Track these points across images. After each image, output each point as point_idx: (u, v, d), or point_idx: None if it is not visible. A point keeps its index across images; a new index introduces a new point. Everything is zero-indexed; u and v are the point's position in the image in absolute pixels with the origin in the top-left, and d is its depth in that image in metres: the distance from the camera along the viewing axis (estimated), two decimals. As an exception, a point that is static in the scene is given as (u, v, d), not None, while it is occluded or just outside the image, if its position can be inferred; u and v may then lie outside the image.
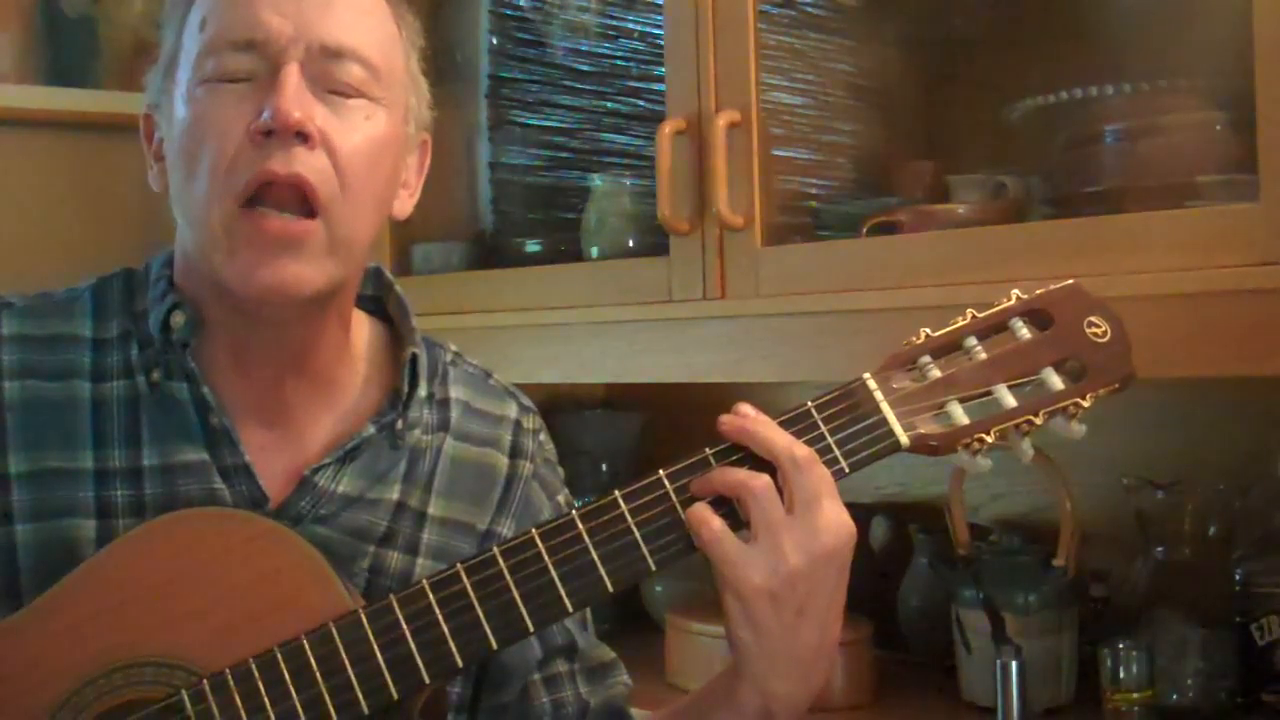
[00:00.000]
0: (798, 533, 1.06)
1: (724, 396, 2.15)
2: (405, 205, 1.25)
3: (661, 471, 1.10)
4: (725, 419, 1.10)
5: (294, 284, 1.11)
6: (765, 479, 1.07)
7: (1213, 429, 1.72)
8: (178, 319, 1.17)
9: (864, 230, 1.67)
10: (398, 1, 1.21)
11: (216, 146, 1.11)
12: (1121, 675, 1.54)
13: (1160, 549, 1.64)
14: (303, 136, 1.10)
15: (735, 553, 1.06)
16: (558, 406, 2.21)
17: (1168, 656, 1.58)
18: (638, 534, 1.08)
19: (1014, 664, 1.54)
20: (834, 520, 1.07)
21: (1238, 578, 1.59)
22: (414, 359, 1.24)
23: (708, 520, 1.07)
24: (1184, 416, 1.72)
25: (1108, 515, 1.71)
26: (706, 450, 1.10)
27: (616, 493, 1.09)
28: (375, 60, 1.15)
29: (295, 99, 1.09)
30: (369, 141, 1.14)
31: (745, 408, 1.12)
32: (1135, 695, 1.54)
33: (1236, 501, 1.61)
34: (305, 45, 1.11)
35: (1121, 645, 1.54)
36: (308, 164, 1.10)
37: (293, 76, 1.10)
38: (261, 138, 1.09)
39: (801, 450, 1.07)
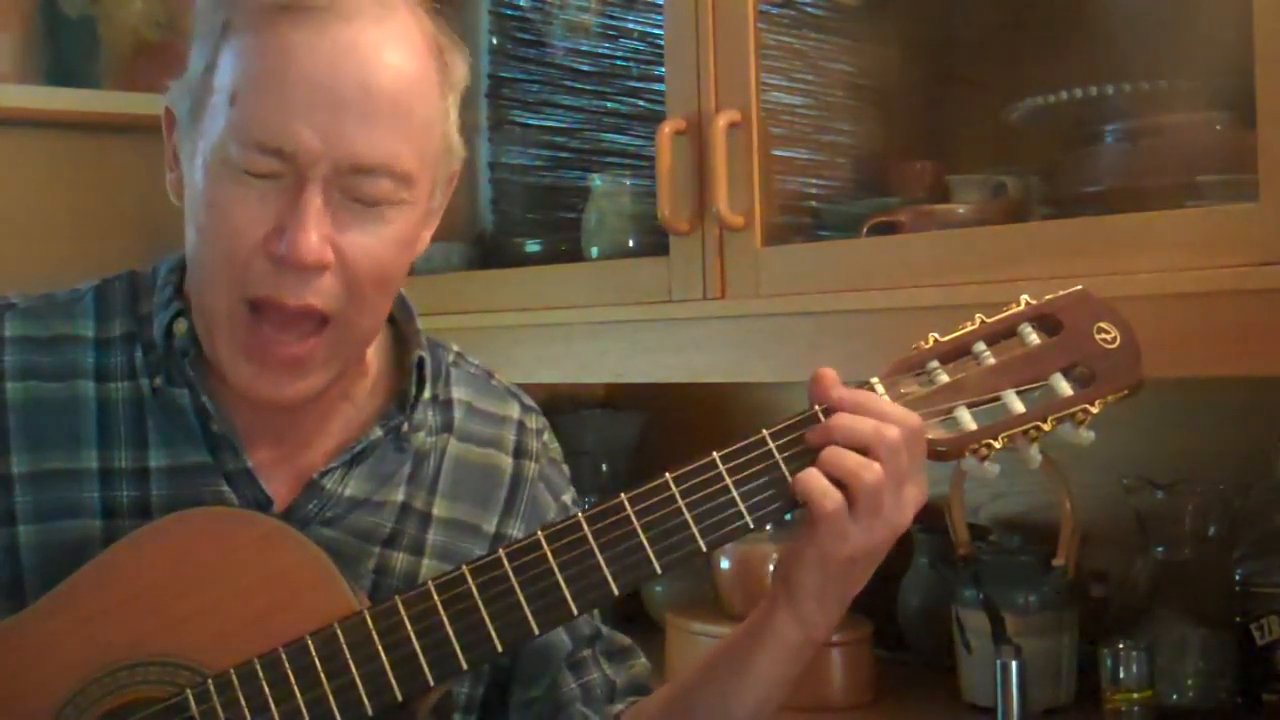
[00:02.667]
0: (891, 511, 1.08)
1: (724, 396, 2.18)
2: (424, 243, 1.23)
3: (668, 474, 1.09)
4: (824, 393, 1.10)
5: (299, 398, 1.14)
6: (878, 467, 1.07)
7: (1213, 429, 1.72)
8: (180, 327, 1.17)
9: (864, 230, 1.67)
10: (448, 51, 1.16)
11: (230, 245, 1.09)
12: (1121, 675, 1.54)
13: (1160, 549, 1.64)
14: (317, 269, 1.09)
15: (843, 526, 1.07)
16: (558, 406, 2.20)
17: (1168, 656, 1.58)
18: (643, 537, 1.08)
19: (1014, 664, 1.54)
20: (918, 496, 1.10)
21: (1238, 578, 1.59)
22: (421, 363, 1.24)
23: (829, 492, 1.07)
24: (1184, 416, 1.72)
25: (1108, 515, 1.72)
26: (713, 454, 1.10)
27: (623, 496, 1.09)
28: (408, 167, 1.11)
29: (315, 229, 1.07)
30: (387, 246, 1.13)
31: (828, 373, 1.12)
32: (1135, 695, 1.54)
33: (1236, 501, 1.61)
34: (333, 163, 1.08)
35: (1121, 645, 1.54)
36: (319, 291, 1.10)
37: (315, 199, 1.08)
38: (276, 257, 1.08)
39: (892, 433, 1.07)
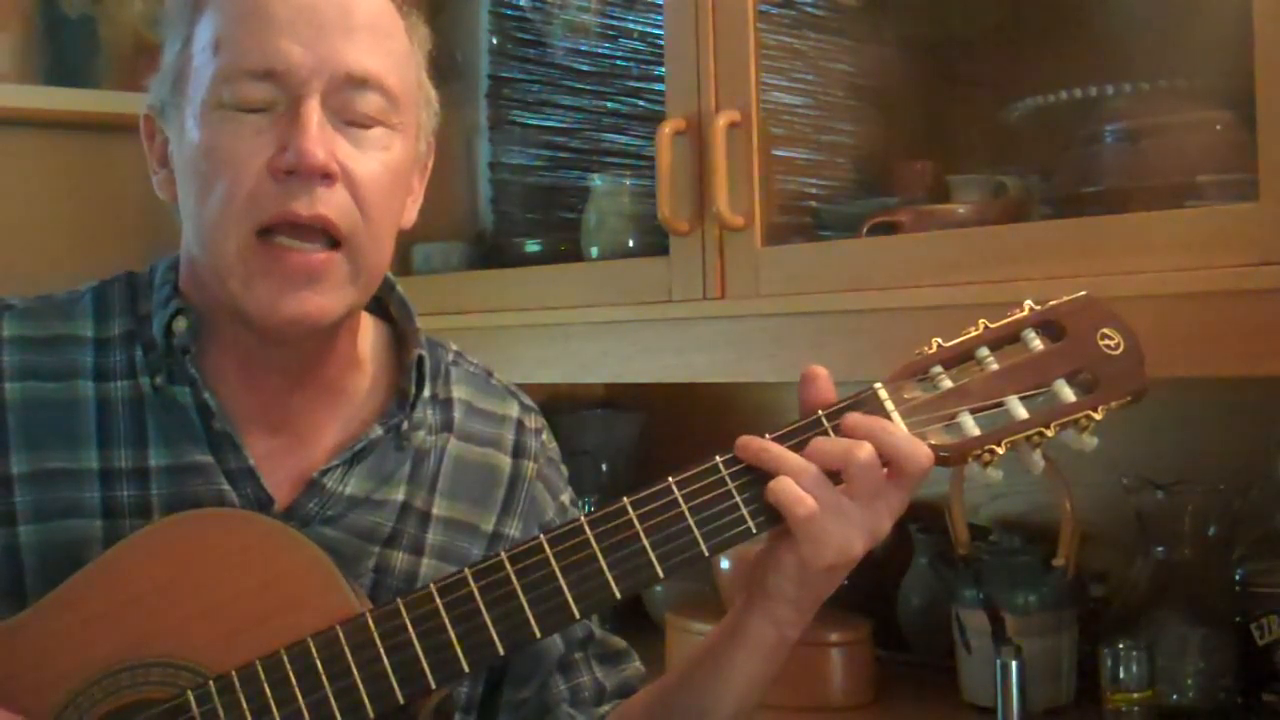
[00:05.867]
0: (868, 521, 1.08)
1: (724, 396, 2.18)
2: (411, 213, 1.25)
3: (670, 479, 1.09)
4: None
5: (317, 314, 1.13)
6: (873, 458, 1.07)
7: (1213, 429, 1.72)
8: (180, 324, 1.17)
9: (864, 230, 1.67)
10: (408, 12, 1.20)
11: (233, 177, 1.10)
12: (1121, 675, 1.54)
13: (1160, 549, 1.64)
14: (325, 176, 1.10)
15: (819, 534, 1.07)
16: (558, 406, 2.20)
17: (1168, 656, 1.58)
18: (645, 541, 1.08)
19: (1014, 664, 1.54)
20: (897, 507, 1.10)
21: (1238, 578, 1.59)
22: (420, 361, 1.24)
23: (802, 499, 1.07)
24: (1184, 416, 1.72)
25: (1108, 515, 1.72)
26: (716, 458, 1.10)
27: (625, 500, 1.09)
28: (394, 87, 1.15)
29: (319, 138, 1.09)
30: (387, 170, 1.15)
31: (820, 372, 1.12)
32: (1135, 695, 1.54)
33: (1236, 501, 1.61)
34: (328, 76, 1.10)
35: (1121, 645, 1.55)
36: (330, 203, 1.11)
37: (315, 113, 1.10)
38: (283, 175, 1.09)
39: (863, 452, 1.07)
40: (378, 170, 1.14)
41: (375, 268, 1.17)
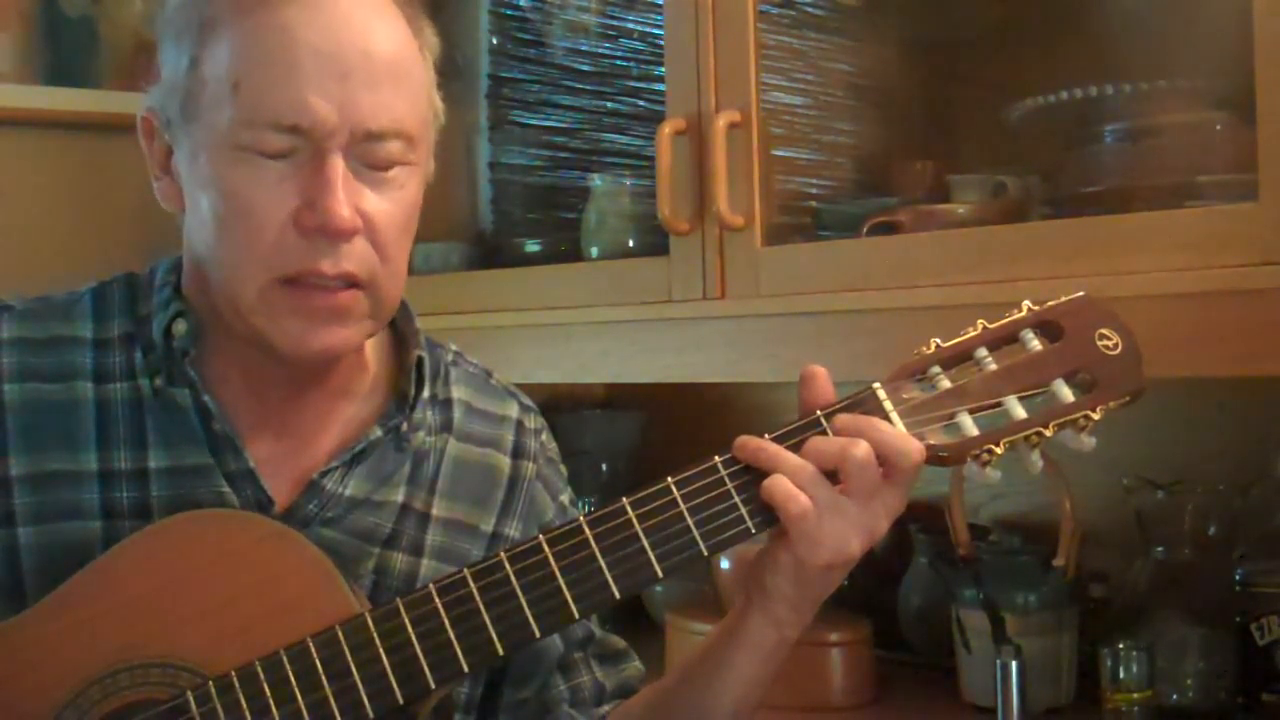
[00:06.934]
0: (865, 520, 1.08)
1: (724, 396, 2.18)
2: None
3: (670, 479, 1.09)
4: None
5: (342, 346, 1.15)
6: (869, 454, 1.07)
7: (1213, 429, 1.72)
8: (179, 327, 1.17)
9: (864, 230, 1.67)
10: (419, 22, 1.18)
11: (256, 226, 1.10)
12: (1121, 675, 1.54)
13: (1160, 549, 1.64)
14: (351, 235, 1.11)
15: (814, 532, 1.07)
16: (558, 406, 2.21)
17: (1168, 656, 1.58)
18: (645, 541, 1.08)
19: (1014, 664, 1.54)
20: (895, 507, 1.10)
21: (1238, 578, 1.59)
22: (420, 362, 1.24)
23: (796, 496, 1.07)
24: (1184, 416, 1.72)
25: (1108, 515, 1.72)
26: (715, 458, 1.10)
27: (624, 500, 1.09)
28: (413, 129, 1.14)
29: (344, 198, 1.09)
30: (404, 209, 1.15)
31: (819, 371, 1.13)
32: (1135, 695, 1.54)
33: (1236, 501, 1.61)
34: (350, 131, 1.09)
35: (1121, 645, 1.54)
36: (353, 257, 1.12)
37: (339, 168, 1.10)
38: (309, 229, 1.10)
39: (859, 450, 1.07)
40: (396, 213, 1.14)
41: (393, 299, 1.18)
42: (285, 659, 1.06)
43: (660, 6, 1.80)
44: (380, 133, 1.11)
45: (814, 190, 1.86)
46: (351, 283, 1.12)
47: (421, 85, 1.17)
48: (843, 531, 1.07)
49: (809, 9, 1.88)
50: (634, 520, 1.08)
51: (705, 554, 1.09)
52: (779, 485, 1.07)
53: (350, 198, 1.10)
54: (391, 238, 1.14)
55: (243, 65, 1.10)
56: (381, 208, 1.13)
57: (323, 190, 1.09)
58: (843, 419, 1.09)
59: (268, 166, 1.10)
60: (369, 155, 1.12)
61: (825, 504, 1.07)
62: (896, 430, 1.08)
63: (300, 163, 1.10)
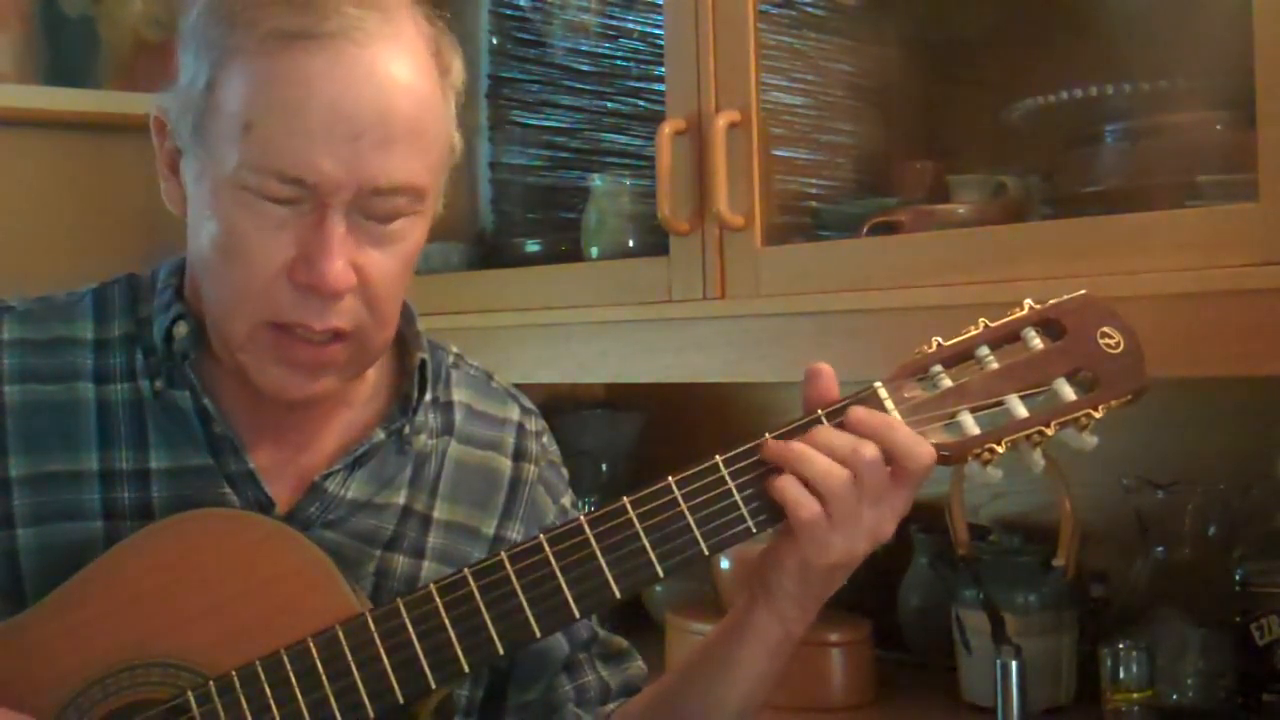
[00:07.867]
0: (872, 523, 1.09)
1: (724, 396, 2.18)
2: None
3: (671, 478, 1.09)
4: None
5: (323, 394, 1.15)
6: (844, 475, 1.07)
7: (1213, 429, 1.72)
8: (180, 330, 1.17)
9: (864, 230, 1.67)
10: (445, 51, 1.15)
11: (249, 269, 1.09)
12: (1121, 675, 1.54)
13: (1160, 549, 1.64)
14: (341, 295, 1.10)
15: (823, 536, 1.07)
16: (558, 406, 2.20)
17: (1168, 656, 1.58)
18: (645, 540, 1.08)
19: (1014, 664, 1.54)
20: (901, 509, 1.10)
21: (1238, 578, 1.59)
22: (423, 365, 1.24)
23: (805, 501, 1.07)
24: (1184, 416, 1.72)
25: (1108, 515, 1.72)
26: (717, 457, 1.10)
27: (625, 499, 1.09)
28: (424, 185, 1.12)
29: (340, 254, 1.08)
30: (402, 261, 1.14)
31: (824, 369, 1.12)
32: (1135, 695, 1.54)
33: (1236, 501, 1.61)
34: (357, 188, 1.08)
35: (1121, 645, 1.55)
36: (342, 313, 1.11)
37: (339, 226, 1.08)
38: (301, 284, 1.09)
39: (869, 451, 1.07)
40: (393, 266, 1.13)
41: (379, 347, 1.18)
42: (286, 659, 1.06)
43: (660, 6, 1.80)
44: (387, 190, 1.09)
45: (814, 190, 1.86)
46: (338, 335, 1.12)
47: (439, 135, 1.14)
48: (851, 534, 1.07)
49: (809, 9, 1.88)
50: (635, 520, 1.08)
51: (706, 554, 1.09)
52: (790, 487, 1.07)
53: (347, 253, 1.09)
54: (384, 293, 1.13)
55: (256, 108, 1.07)
56: (378, 263, 1.11)
57: (319, 249, 1.08)
58: (857, 413, 1.09)
59: (269, 211, 1.08)
60: (373, 209, 1.10)
61: (838, 509, 1.07)
62: (909, 431, 1.08)
63: (302, 212, 1.08)
